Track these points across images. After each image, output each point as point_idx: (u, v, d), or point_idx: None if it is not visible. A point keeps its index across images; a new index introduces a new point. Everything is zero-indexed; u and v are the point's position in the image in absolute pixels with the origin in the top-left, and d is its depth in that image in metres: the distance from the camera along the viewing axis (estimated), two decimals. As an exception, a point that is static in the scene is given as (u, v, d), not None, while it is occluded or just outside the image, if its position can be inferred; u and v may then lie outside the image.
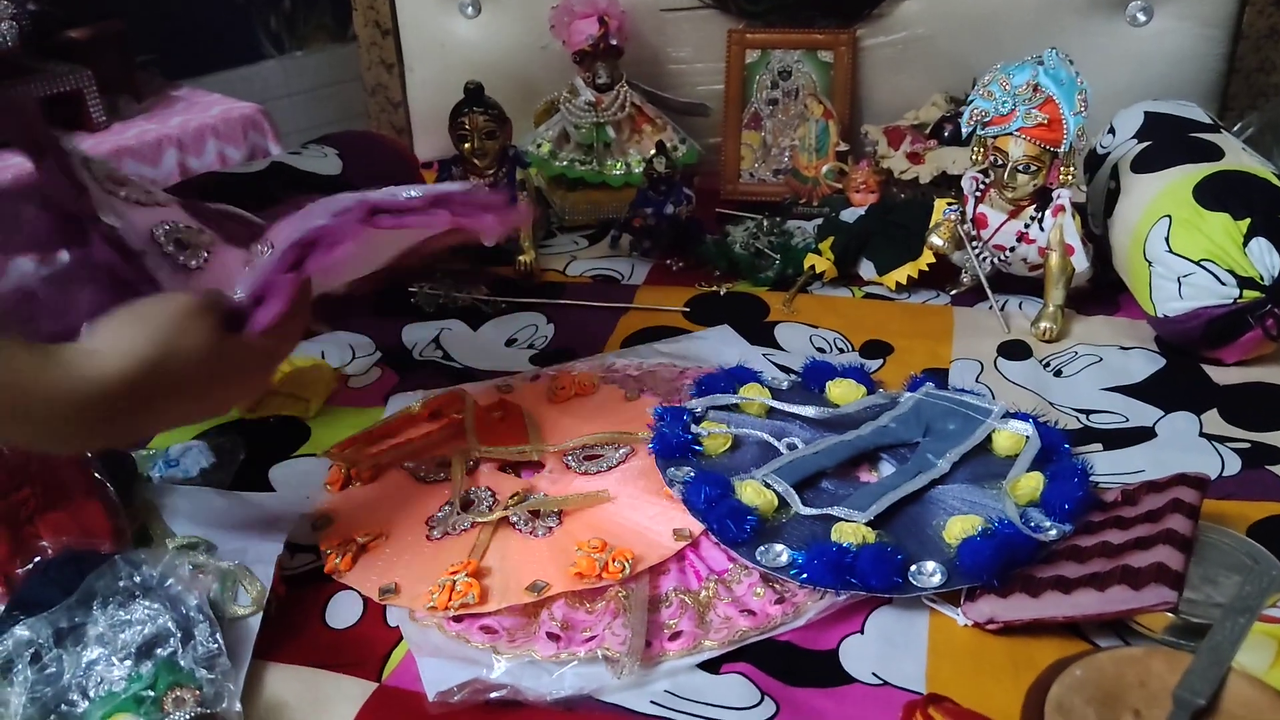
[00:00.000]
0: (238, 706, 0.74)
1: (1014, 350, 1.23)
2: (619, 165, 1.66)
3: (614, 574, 0.85)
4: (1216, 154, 1.25)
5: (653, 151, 1.47)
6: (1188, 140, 1.30)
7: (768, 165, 1.70)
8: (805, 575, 0.85)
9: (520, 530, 0.94)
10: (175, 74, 2.03)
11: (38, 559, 0.85)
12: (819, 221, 1.52)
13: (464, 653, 0.82)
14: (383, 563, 0.93)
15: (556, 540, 0.92)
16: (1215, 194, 1.17)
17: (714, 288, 1.42)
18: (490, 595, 0.86)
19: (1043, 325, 1.25)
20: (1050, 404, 1.12)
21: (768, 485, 0.95)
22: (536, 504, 0.96)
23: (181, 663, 0.74)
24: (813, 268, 1.40)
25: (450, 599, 0.85)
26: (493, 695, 0.77)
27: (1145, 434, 1.07)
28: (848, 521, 0.90)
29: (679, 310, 1.36)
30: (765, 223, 1.51)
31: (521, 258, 1.46)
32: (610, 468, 1.01)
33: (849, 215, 1.50)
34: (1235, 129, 1.55)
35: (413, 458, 1.06)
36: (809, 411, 1.06)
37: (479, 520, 0.95)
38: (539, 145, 1.67)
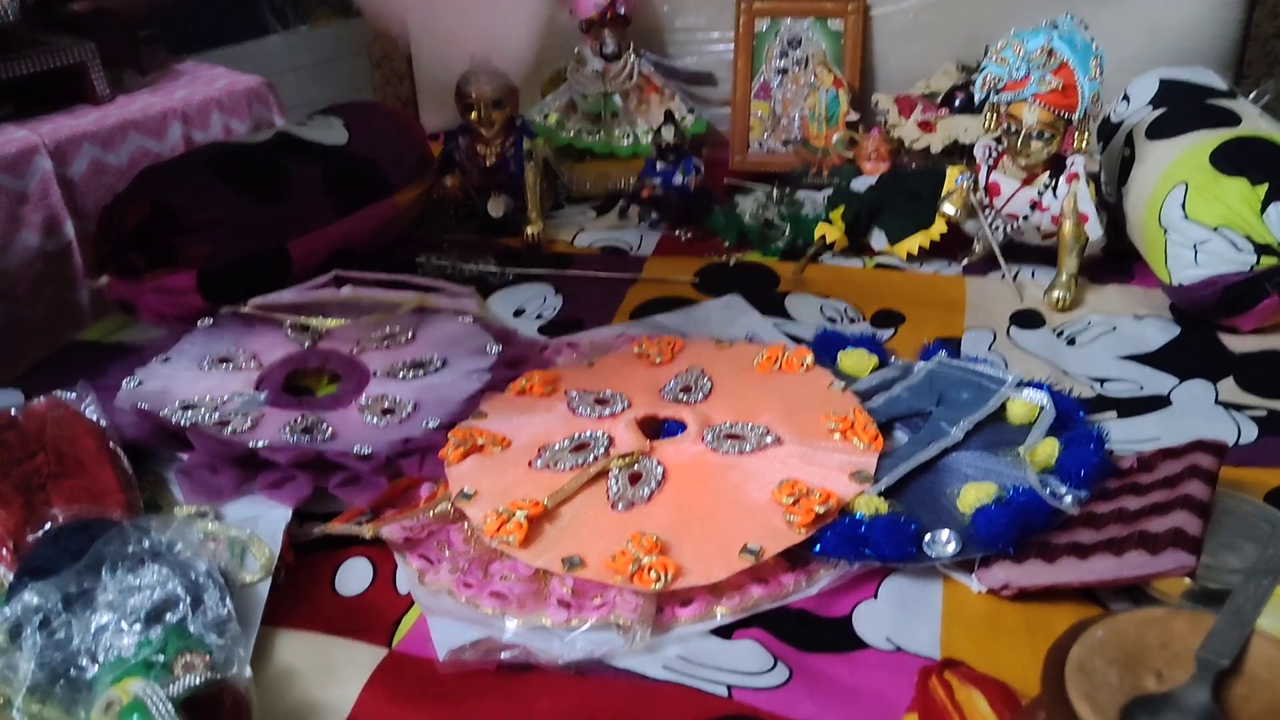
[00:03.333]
0: (248, 672, 0.73)
1: (1027, 319, 1.22)
2: (627, 135, 1.64)
3: (645, 582, 0.80)
4: (1233, 120, 1.23)
5: (661, 121, 1.46)
6: (1204, 106, 1.28)
7: (777, 135, 1.69)
8: (819, 547, 0.85)
9: (610, 492, 0.91)
10: (179, 49, 2.01)
11: (48, 525, 0.84)
12: (829, 191, 1.51)
13: (475, 617, 0.82)
14: (482, 469, 0.95)
15: (631, 518, 0.88)
16: (1233, 159, 1.15)
17: (723, 258, 1.41)
18: (532, 546, 0.86)
19: (1056, 294, 1.24)
20: (1064, 373, 1.11)
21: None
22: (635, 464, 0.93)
23: (191, 628, 0.74)
24: (823, 238, 1.39)
25: (499, 530, 0.85)
26: (504, 655, 0.77)
27: (1160, 402, 1.06)
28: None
29: (688, 281, 1.35)
30: (775, 193, 1.50)
31: (529, 229, 1.45)
32: (744, 452, 0.95)
33: (860, 185, 1.49)
34: (1251, 96, 1.52)
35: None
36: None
37: (578, 465, 0.94)
38: (546, 115, 1.66)
